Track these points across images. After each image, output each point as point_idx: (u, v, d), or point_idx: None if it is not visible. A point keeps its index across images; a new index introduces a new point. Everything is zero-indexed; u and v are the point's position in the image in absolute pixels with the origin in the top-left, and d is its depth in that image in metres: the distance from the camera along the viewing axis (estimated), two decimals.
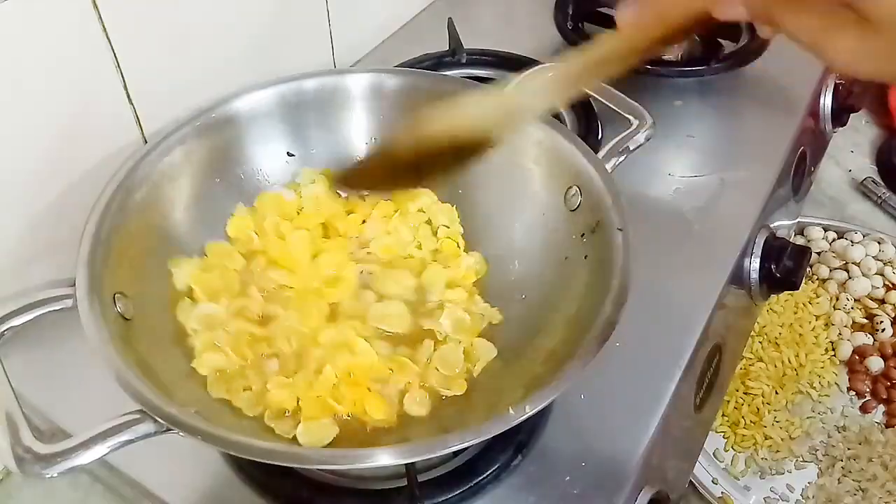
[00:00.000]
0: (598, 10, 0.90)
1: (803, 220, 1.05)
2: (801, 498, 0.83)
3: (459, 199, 0.62)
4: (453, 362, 0.52)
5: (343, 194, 0.61)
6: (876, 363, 0.93)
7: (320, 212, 0.60)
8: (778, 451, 0.86)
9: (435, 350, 0.52)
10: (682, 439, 0.63)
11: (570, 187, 0.55)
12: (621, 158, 0.56)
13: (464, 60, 0.81)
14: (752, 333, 0.93)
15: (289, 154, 0.62)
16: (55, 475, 0.38)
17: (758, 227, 0.70)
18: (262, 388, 0.49)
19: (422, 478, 0.50)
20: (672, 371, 0.57)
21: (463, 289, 0.56)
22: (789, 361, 0.94)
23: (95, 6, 0.55)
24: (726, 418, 0.90)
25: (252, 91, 0.60)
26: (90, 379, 0.44)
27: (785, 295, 0.98)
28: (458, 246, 0.59)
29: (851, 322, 0.99)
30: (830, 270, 1.07)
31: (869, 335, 0.97)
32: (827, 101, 0.87)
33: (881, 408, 0.91)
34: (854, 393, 0.92)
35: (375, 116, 0.63)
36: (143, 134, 0.62)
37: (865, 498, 0.82)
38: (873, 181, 1.10)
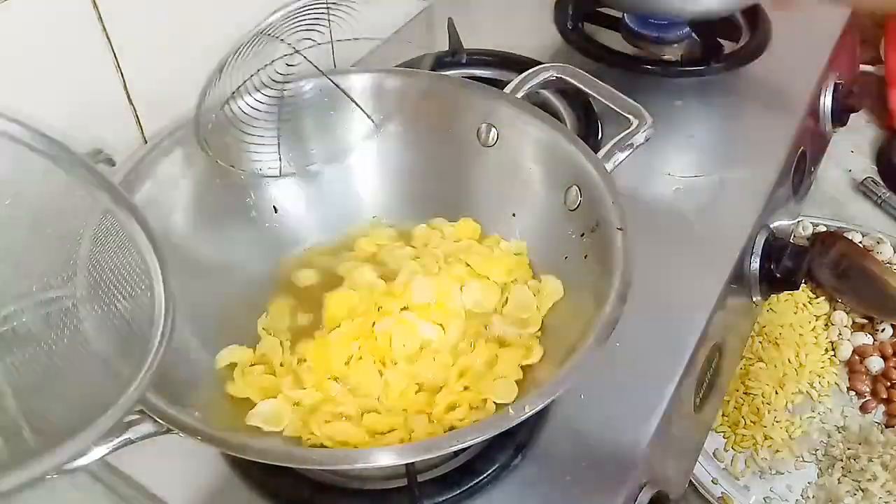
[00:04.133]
0: (599, 10, 0.90)
1: (803, 220, 1.05)
2: (801, 498, 0.83)
3: (459, 199, 0.63)
4: (527, 302, 0.55)
5: None
6: (876, 363, 0.93)
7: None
8: (778, 451, 0.86)
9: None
10: (682, 439, 0.63)
11: (570, 187, 0.56)
12: (621, 158, 0.56)
13: (464, 60, 0.81)
14: (752, 333, 0.93)
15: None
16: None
17: (758, 227, 0.70)
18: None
19: (422, 478, 0.50)
20: (672, 371, 0.57)
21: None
22: (789, 361, 0.94)
23: (95, 6, 0.55)
24: (726, 418, 0.89)
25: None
26: None
27: (785, 295, 0.98)
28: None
29: (851, 322, 0.99)
30: None
31: (869, 335, 0.96)
32: (827, 101, 0.87)
33: (881, 408, 0.91)
34: (854, 393, 0.92)
35: (375, 116, 0.63)
36: (143, 134, 0.62)
37: (865, 498, 0.82)
38: (873, 181, 1.10)
